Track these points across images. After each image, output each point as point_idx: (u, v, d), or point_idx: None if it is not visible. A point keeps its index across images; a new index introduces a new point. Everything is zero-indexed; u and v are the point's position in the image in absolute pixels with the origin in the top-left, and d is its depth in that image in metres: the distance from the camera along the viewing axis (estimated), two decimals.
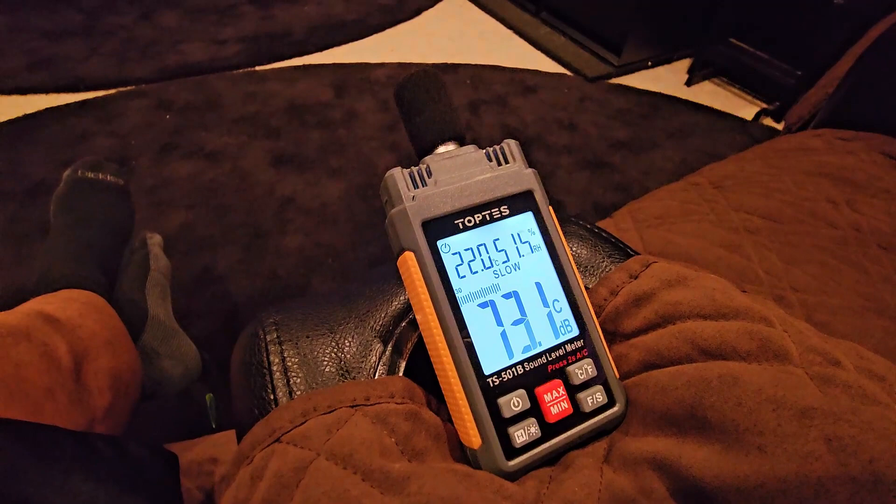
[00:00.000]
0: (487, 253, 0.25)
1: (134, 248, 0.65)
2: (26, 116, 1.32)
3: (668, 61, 1.84)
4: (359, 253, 1.08)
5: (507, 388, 0.24)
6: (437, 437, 0.24)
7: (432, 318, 0.24)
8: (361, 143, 1.36)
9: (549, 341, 0.25)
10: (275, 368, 0.28)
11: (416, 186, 0.25)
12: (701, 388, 0.22)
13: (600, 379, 0.25)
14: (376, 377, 0.28)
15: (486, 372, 0.23)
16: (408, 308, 0.31)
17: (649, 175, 1.34)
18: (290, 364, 0.28)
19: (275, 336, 0.29)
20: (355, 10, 1.93)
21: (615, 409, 0.25)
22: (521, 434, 0.23)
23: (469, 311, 0.24)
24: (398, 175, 0.25)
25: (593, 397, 0.25)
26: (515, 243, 0.26)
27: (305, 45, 1.71)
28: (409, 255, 0.24)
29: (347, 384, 0.25)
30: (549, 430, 0.24)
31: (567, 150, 1.40)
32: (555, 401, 0.24)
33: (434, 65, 1.69)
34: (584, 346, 0.26)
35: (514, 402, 0.23)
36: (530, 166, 0.27)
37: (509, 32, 1.94)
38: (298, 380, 0.27)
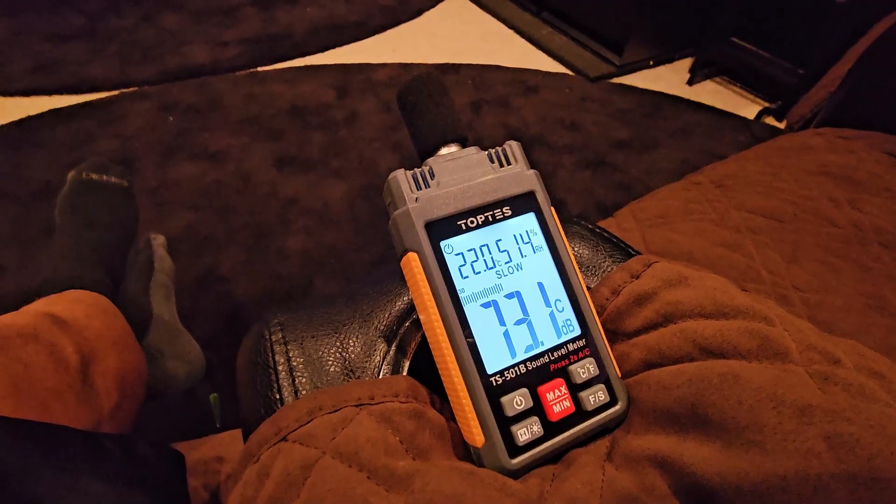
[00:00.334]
0: (490, 253, 0.25)
1: (138, 250, 0.66)
2: (30, 118, 1.33)
3: (670, 61, 1.84)
4: (361, 253, 1.09)
5: (509, 387, 0.24)
6: (441, 435, 0.25)
7: (436, 318, 0.24)
8: (363, 143, 1.36)
9: (551, 341, 0.25)
10: (280, 368, 0.28)
11: (419, 188, 0.25)
12: (702, 386, 0.22)
13: (602, 378, 0.26)
14: (380, 377, 0.28)
15: (489, 371, 0.24)
16: (411, 308, 0.32)
17: (651, 174, 1.34)
18: (295, 364, 0.28)
19: (280, 336, 0.30)
20: (357, 11, 1.93)
21: (617, 407, 0.25)
22: (524, 432, 0.23)
23: (472, 311, 0.24)
24: (401, 177, 0.25)
25: (595, 396, 0.25)
26: (518, 244, 0.26)
27: (307, 47, 1.71)
28: (412, 256, 0.24)
29: (352, 384, 0.25)
30: (551, 429, 0.24)
31: (569, 150, 1.40)
32: (557, 399, 0.24)
33: (436, 65, 1.69)
34: (585, 345, 0.26)
35: (517, 400, 0.24)
36: (532, 167, 0.27)
37: (510, 32, 1.94)
38: (304, 379, 0.28)
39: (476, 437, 0.23)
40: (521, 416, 0.24)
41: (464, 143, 0.29)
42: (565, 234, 0.28)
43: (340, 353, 0.29)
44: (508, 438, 0.23)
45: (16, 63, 1.51)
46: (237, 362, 0.31)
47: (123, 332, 0.50)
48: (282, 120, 1.41)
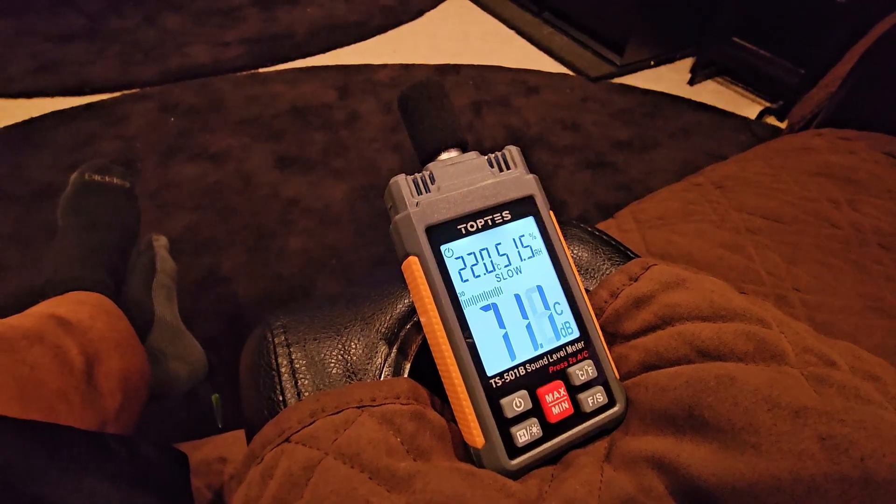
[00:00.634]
0: (490, 257, 0.26)
1: (140, 251, 0.66)
2: (32, 120, 1.33)
3: (671, 61, 1.84)
4: (362, 253, 1.09)
5: (509, 388, 0.24)
6: (442, 436, 0.25)
7: (436, 320, 0.24)
8: (364, 144, 1.36)
9: (550, 343, 0.26)
10: (283, 370, 0.28)
11: (419, 193, 0.25)
12: (699, 388, 0.22)
13: (600, 380, 0.26)
14: (382, 378, 0.29)
15: (489, 373, 0.24)
16: (412, 311, 0.32)
17: (651, 175, 1.35)
18: (297, 366, 0.29)
19: (283, 338, 0.30)
20: (358, 12, 1.94)
21: (615, 409, 0.26)
22: (524, 434, 0.24)
23: (472, 314, 0.25)
24: (402, 182, 0.25)
25: (594, 398, 0.25)
26: (517, 247, 0.26)
27: (308, 47, 1.72)
28: (413, 260, 0.25)
29: (354, 385, 0.26)
30: (550, 430, 0.24)
31: (569, 150, 1.41)
32: (556, 401, 0.25)
33: (436, 65, 1.70)
34: (584, 347, 0.26)
35: (517, 402, 0.24)
36: (533, 167, 0.28)
37: (511, 33, 1.94)
38: (306, 381, 0.28)
39: (476, 438, 0.24)
40: (521, 418, 0.24)
41: (464, 148, 0.29)
42: (564, 236, 0.28)
43: (342, 356, 0.29)
44: (508, 440, 0.24)
45: (17, 64, 1.52)
46: (240, 364, 0.31)
47: (126, 333, 0.51)
48: (283, 120, 1.41)
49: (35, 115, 1.35)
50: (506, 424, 0.24)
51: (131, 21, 1.78)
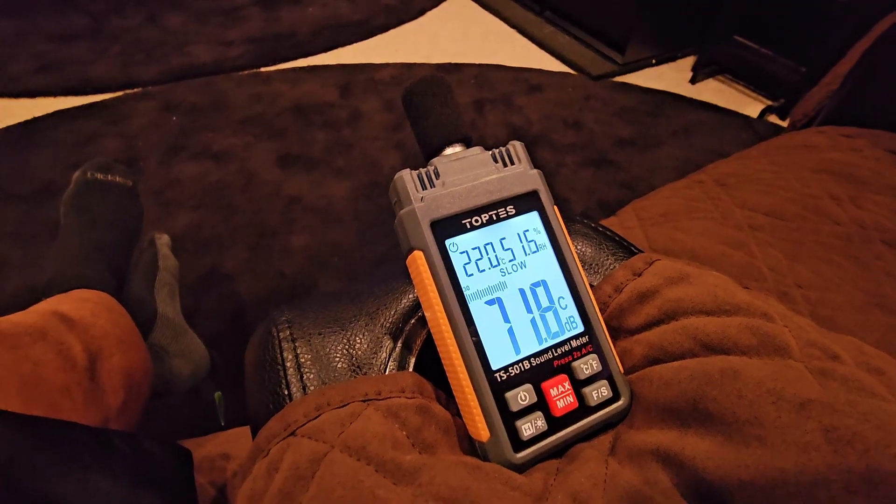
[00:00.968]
0: (494, 252, 0.26)
1: (142, 248, 0.66)
2: (35, 119, 1.34)
3: (673, 59, 1.84)
4: (365, 251, 1.09)
5: (514, 382, 0.24)
6: (447, 430, 0.25)
7: (441, 315, 0.24)
8: (367, 142, 1.36)
9: (554, 337, 0.26)
10: (288, 365, 0.29)
11: (424, 188, 0.25)
12: (703, 381, 0.22)
13: (605, 374, 0.26)
14: (387, 373, 0.29)
15: (494, 367, 0.24)
16: (416, 306, 0.32)
17: (654, 173, 1.34)
18: (303, 360, 0.29)
19: (288, 333, 0.30)
20: (360, 11, 1.94)
21: (620, 402, 0.26)
22: (529, 427, 0.24)
23: (477, 309, 0.25)
24: (407, 177, 0.25)
25: (598, 391, 0.25)
26: (521, 242, 0.26)
27: (310, 46, 1.72)
28: (418, 255, 0.25)
29: (359, 379, 0.26)
30: (555, 424, 0.24)
31: (572, 149, 1.40)
32: (561, 395, 0.25)
33: (438, 65, 1.70)
34: (588, 341, 0.26)
35: (522, 396, 0.24)
36: (535, 166, 0.28)
37: (513, 32, 1.94)
38: (311, 375, 0.28)
39: (481, 431, 0.24)
40: (526, 412, 0.24)
41: (468, 144, 0.29)
42: (568, 232, 0.28)
43: (347, 350, 0.29)
44: (513, 433, 0.24)
45: (19, 63, 1.52)
46: (245, 359, 0.31)
47: (129, 330, 0.51)
48: (285, 119, 1.42)
49: (37, 114, 1.35)
50: (511, 418, 0.24)
51: (133, 20, 1.78)
